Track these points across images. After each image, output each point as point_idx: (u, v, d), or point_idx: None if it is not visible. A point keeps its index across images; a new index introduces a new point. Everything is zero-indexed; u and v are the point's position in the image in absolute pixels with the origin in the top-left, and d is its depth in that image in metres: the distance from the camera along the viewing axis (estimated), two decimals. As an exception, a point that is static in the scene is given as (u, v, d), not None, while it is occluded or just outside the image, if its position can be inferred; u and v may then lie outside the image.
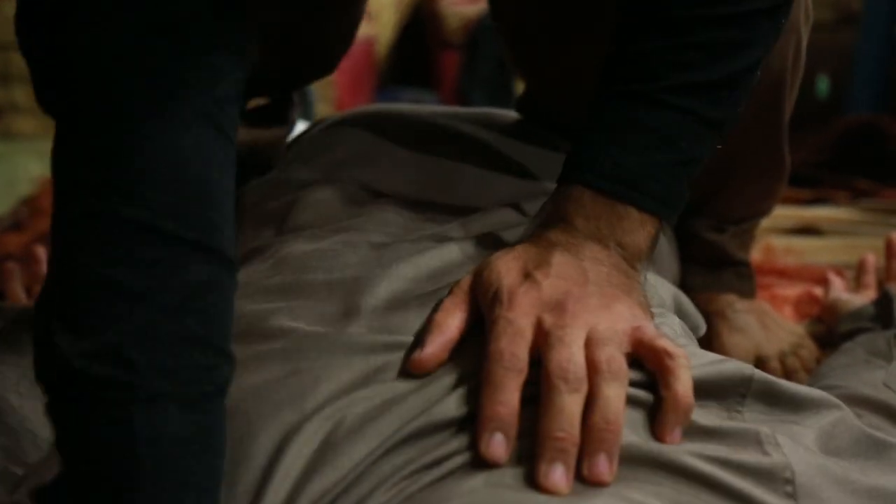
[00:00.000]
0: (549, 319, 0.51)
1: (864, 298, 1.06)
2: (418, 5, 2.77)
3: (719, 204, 1.01)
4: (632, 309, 0.53)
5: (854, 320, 0.99)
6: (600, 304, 0.52)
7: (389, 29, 2.86)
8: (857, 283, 1.13)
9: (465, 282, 0.56)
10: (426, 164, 0.80)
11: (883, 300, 0.97)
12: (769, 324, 1.08)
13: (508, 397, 0.48)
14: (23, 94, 2.25)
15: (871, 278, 1.12)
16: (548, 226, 0.58)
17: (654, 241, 0.59)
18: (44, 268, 1.05)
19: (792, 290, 1.24)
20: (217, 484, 0.46)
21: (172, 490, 0.44)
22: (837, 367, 0.85)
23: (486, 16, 2.35)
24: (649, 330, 0.52)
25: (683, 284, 1.00)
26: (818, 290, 1.21)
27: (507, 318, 0.51)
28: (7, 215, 1.55)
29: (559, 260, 0.55)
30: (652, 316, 0.55)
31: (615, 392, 0.48)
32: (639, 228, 0.58)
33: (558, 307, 0.51)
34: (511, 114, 0.98)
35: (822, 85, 2.25)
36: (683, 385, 0.49)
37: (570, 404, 0.47)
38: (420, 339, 0.53)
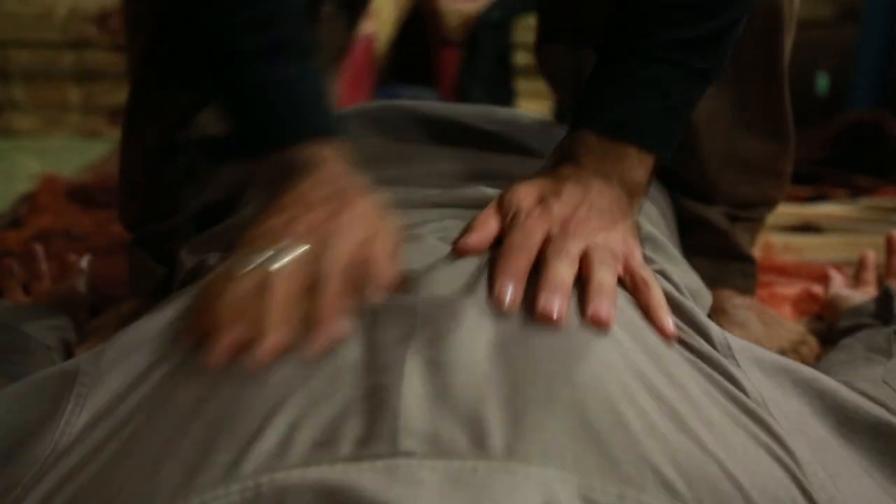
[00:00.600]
0: (555, 231, 0.59)
1: (864, 295, 1.06)
2: (418, 3, 2.76)
3: (729, 183, 1.02)
4: (625, 236, 0.62)
5: (854, 316, 0.99)
6: (600, 226, 0.61)
7: (389, 26, 2.85)
8: (857, 280, 1.13)
9: (493, 203, 0.63)
10: (431, 158, 0.80)
11: (883, 297, 0.97)
12: (769, 321, 1.08)
13: (519, 263, 0.55)
14: (22, 92, 2.25)
15: (870, 275, 1.12)
16: (560, 163, 0.67)
17: (651, 176, 0.69)
18: (42, 265, 1.05)
19: (791, 289, 1.23)
20: None
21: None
22: (836, 364, 0.84)
23: (485, 13, 2.34)
24: (636, 257, 0.61)
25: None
26: (817, 288, 1.20)
27: (521, 226, 0.59)
28: (6, 212, 1.55)
29: (569, 189, 0.63)
30: (641, 243, 0.65)
31: (608, 276, 0.56)
32: (638, 166, 0.67)
33: (564, 224, 0.60)
34: (512, 111, 0.99)
35: (822, 82, 2.25)
36: (657, 299, 0.57)
37: (562, 267, 0.55)
38: (461, 235, 0.60)
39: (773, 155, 1.03)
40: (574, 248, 0.58)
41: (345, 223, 0.57)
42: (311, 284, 0.52)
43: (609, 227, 0.62)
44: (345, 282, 0.53)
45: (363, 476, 0.39)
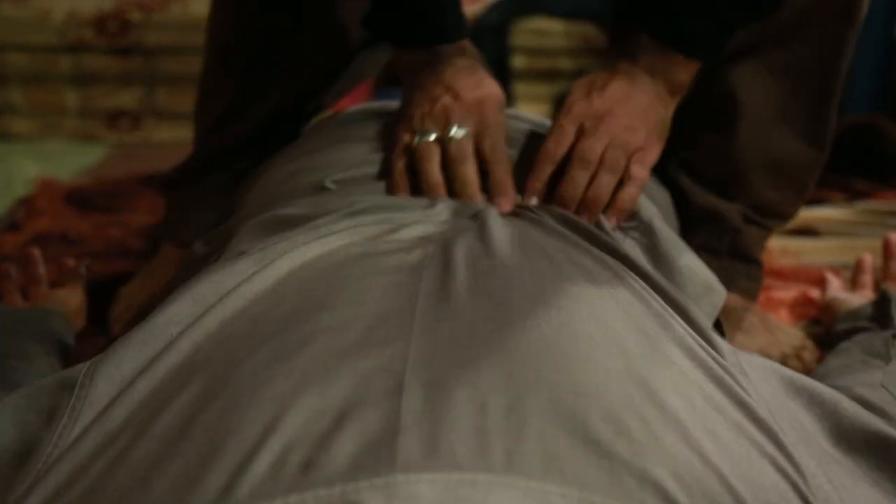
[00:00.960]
0: (588, 125, 0.78)
1: (861, 298, 1.06)
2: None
3: (756, 183, 1.02)
4: (648, 136, 0.79)
5: (851, 320, 0.99)
6: (628, 125, 0.78)
7: (387, 30, 2.86)
8: (854, 284, 1.13)
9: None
10: None
11: (880, 300, 0.97)
12: (772, 327, 1.08)
13: (542, 176, 0.77)
14: (20, 95, 2.25)
15: (867, 278, 1.12)
16: (619, 57, 0.82)
17: (692, 77, 0.82)
18: (40, 269, 1.05)
19: (787, 293, 1.23)
20: None
21: None
22: (834, 368, 0.84)
23: (484, 17, 2.34)
24: (647, 157, 0.79)
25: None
26: (814, 292, 1.20)
27: (561, 123, 0.79)
28: (4, 216, 1.55)
29: (616, 83, 0.80)
30: (662, 143, 0.82)
31: (607, 179, 0.77)
32: (683, 70, 0.81)
33: (598, 118, 0.78)
34: (510, 111, 0.98)
35: (820, 86, 2.24)
36: (622, 200, 0.77)
37: (580, 177, 0.76)
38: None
39: (807, 162, 1.01)
40: (598, 149, 0.77)
41: (490, 108, 0.78)
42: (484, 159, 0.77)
43: (636, 126, 0.78)
44: (506, 161, 0.77)
45: (361, 495, 0.38)
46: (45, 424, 0.49)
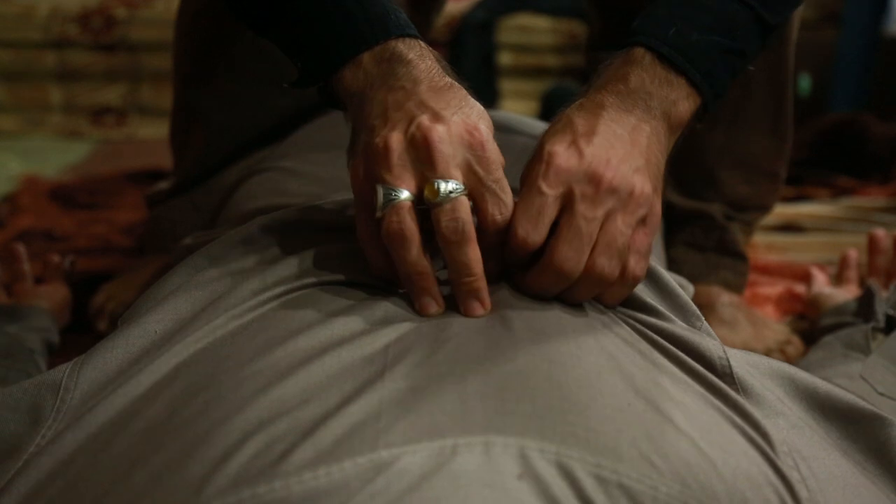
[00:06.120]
0: (578, 191, 0.55)
1: (846, 293, 1.07)
2: (401, 4, 2.76)
3: (729, 181, 1.04)
4: (654, 193, 0.57)
5: (836, 315, 1.00)
6: (628, 184, 0.56)
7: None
8: (839, 279, 1.14)
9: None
10: None
11: (865, 296, 0.97)
12: (756, 321, 1.08)
13: (509, 262, 0.57)
14: (4, 91, 2.23)
15: (852, 274, 1.12)
16: (604, 86, 0.60)
17: (693, 119, 0.62)
18: (25, 266, 1.04)
19: (773, 289, 1.24)
20: None
21: None
22: (815, 362, 0.85)
23: (470, 14, 2.34)
24: (651, 225, 0.57)
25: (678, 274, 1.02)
26: (800, 288, 1.21)
27: (538, 187, 0.55)
28: (-13, 213, 1.54)
29: (604, 127, 0.57)
30: (662, 189, 0.60)
31: (592, 291, 0.57)
32: (683, 100, 0.61)
33: (594, 178, 0.55)
34: (498, 112, 0.99)
35: (804, 83, 2.26)
36: (611, 300, 0.58)
37: (558, 283, 0.56)
38: None
39: (772, 154, 1.04)
40: (594, 231, 0.56)
41: (485, 137, 0.55)
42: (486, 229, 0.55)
43: (636, 182, 0.56)
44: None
45: (346, 474, 0.39)
46: (29, 425, 0.49)
